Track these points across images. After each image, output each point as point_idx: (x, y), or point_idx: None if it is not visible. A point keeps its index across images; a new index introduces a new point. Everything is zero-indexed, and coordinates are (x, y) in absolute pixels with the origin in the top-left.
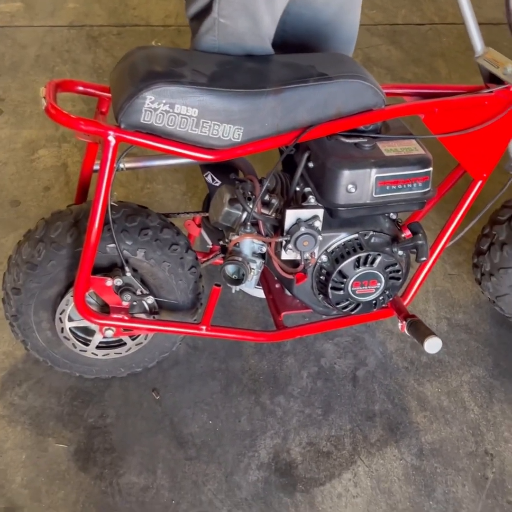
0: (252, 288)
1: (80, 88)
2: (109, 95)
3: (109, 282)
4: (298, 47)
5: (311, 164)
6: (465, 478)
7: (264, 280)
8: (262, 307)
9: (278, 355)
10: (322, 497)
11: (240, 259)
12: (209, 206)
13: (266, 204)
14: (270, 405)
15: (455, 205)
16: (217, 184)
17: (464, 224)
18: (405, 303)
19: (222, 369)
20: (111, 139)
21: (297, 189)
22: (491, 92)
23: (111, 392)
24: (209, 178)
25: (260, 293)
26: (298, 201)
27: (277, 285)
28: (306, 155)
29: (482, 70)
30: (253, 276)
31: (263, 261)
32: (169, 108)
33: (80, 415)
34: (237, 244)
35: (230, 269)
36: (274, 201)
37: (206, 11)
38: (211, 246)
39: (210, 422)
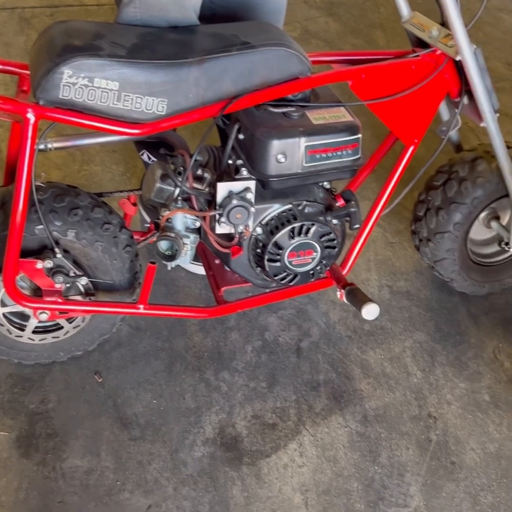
0: (188, 264)
1: None
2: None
3: (39, 264)
4: (228, 19)
5: (241, 136)
6: (409, 442)
7: (204, 257)
8: (205, 285)
9: (222, 331)
10: (268, 469)
11: (172, 235)
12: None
13: (198, 179)
14: (215, 381)
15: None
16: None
17: (400, 191)
18: (344, 272)
19: (166, 348)
20: (30, 116)
21: (230, 162)
22: (418, 56)
23: (52, 377)
24: (145, 157)
25: (202, 270)
26: (231, 174)
27: (217, 261)
28: (236, 126)
29: (409, 35)
30: (187, 251)
31: (198, 236)
32: (88, 82)
33: (21, 402)
34: (169, 220)
35: (163, 245)
36: (206, 175)
37: None
38: (149, 225)
39: (154, 401)
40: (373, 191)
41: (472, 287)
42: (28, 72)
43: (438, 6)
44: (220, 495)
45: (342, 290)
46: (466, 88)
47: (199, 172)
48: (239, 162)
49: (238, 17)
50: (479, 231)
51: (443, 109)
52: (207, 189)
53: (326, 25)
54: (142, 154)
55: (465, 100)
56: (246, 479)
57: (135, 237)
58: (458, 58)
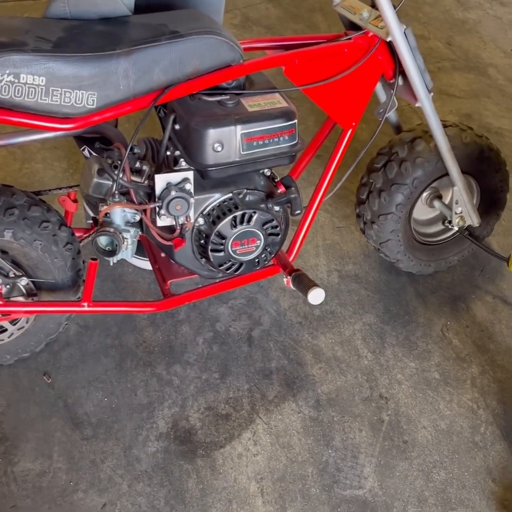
0: (130, 258)
1: None
2: None
3: None
4: (164, 10)
5: (177, 126)
6: (362, 424)
7: (150, 250)
8: (153, 279)
9: (173, 324)
10: (223, 459)
11: (111, 230)
12: None
13: (137, 171)
14: (167, 375)
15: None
16: None
17: (344, 175)
18: (290, 258)
19: (116, 345)
20: None
21: (168, 153)
22: (350, 39)
23: None
24: (86, 152)
25: (149, 265)
26: (170, 166)
27: (162, 254)
28: (171, 117)
29: (342, 18)
30: (128, 245)
31: (138, 230)
32: (14, 78)
33: None
34: (108, 215)
35: (102, 240)
36: (145, 167)
37: None
38: (92, 221)
39: (106, 399)
40: (318, 176)
41: (418, 267)
42: None
43: None
44: (175, 489)
45: (289, 277)
46: (400, 69)
47: (138, 165)
48: (177, 153)
49: (176, 8)
50: (422, 211)
51: (380, 91)
52: (146, 182)
53: (267, 11)
54: (83, 150)
55: (400, 81)
56: (201, 471)
57: (79, 234)
58: (388, 39)
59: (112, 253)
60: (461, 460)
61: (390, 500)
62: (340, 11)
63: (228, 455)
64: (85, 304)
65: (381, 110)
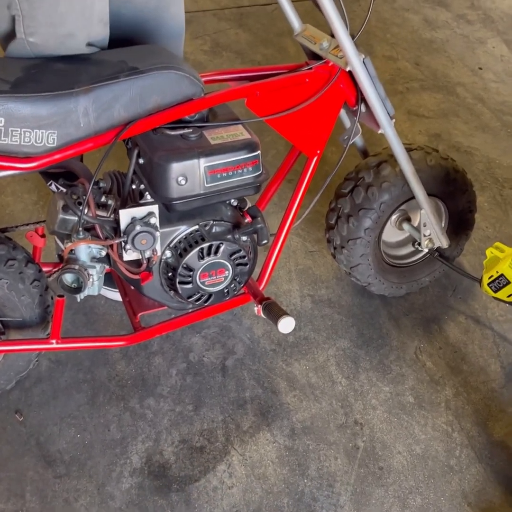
0: (97, 293)
1: None
2: None
3: None
4: (124, 45)
5: (141, 160)
6: (337, 451)
7: (120, 283)
8: (125, 310)
9: (146, 356)
10: (198, 493)
11: (76, 267)
12: None
13: (103, 206)
14: (140, 409)
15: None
16: None
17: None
18: (261, 287)
19: (88, 380)
20: None
21: (133, 187)
22: (311, 68)
23: None
24: (53, 187)
25: (119, 296)
26: (136, 199)
27: (132, 287)
28: (135, 151)
29: (303, 48)
30: (95, 281)
31: (104, 265)
32: None
33: None
34: (73, 251)
35: (67, 278)
36: (110, 202)
37: (10, 33)
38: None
39: (78, 435)
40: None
41: (390, 289)
42: None
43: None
44: None
45: (259, 306)
46: (362, 96)
47: (103, 199)
48: (142, 186)
49: (135, 43)
50: (392, 233)
51: (344, 117)
52: (111, 216)
53: (237, 36)
54: (50, 185)
55: (362, 108)
56: (175, 506)
57: (49, 268)
58: (348, 68)
59: (78, 290)
60: (437, 484)
61: None
62: (301, 41)
63: (203, 489)
64: (54, 341)
65: (346, 136)
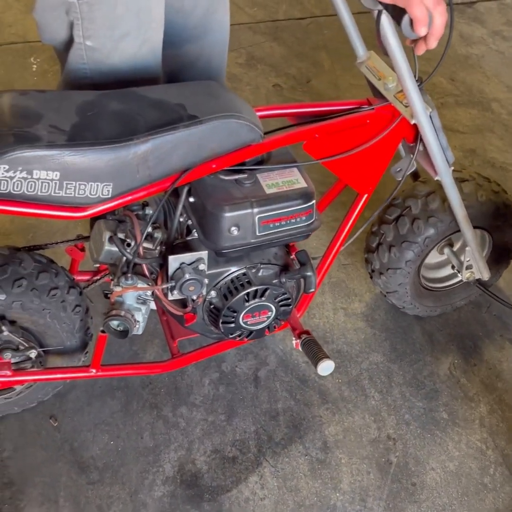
0: (141, 333)
1: None
2: None
3: None
4: (175, 51)
5: (191, 199)
6: (370, 466)
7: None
8: (158, 318)
9: None
10: (230, 504)
11: (122, 313)
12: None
13: (149, 236)
14: (173, 417)
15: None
16: None
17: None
18: (299, 315)
19: (121, 387)
20: None
21: (181, 219)
22: (372, 109)
23: (6, 424)
24: None
25: (153, 305)
26: (183, 234)
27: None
28: (186, 189)
29: (365, 78)
30: (140, 323)
31: (150, 306)
32: (27, 174)
33: None
34: (120, 295)
35: (114, 323)
36: (157, 235)
37: (68, 41)
38: (99, 265)
39: (112, 442)
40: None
41: (424, 312)
42: None
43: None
44: None
45: (298, 340)
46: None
47: (149, 229)
48: (190, 222)
49: (183, 50)
50: (431, 256)
51: (400, 147)
52: (157, 249)
53: (271, 49)
54: None
55: (421, 147)
56: None
57: (85, 277)
58: (413, 122)
59: (125, 333)
60: (470, 502)
61: None
62: (364, 72)
63: (235, 500)
64: (94, 370)
65: (399, 169)
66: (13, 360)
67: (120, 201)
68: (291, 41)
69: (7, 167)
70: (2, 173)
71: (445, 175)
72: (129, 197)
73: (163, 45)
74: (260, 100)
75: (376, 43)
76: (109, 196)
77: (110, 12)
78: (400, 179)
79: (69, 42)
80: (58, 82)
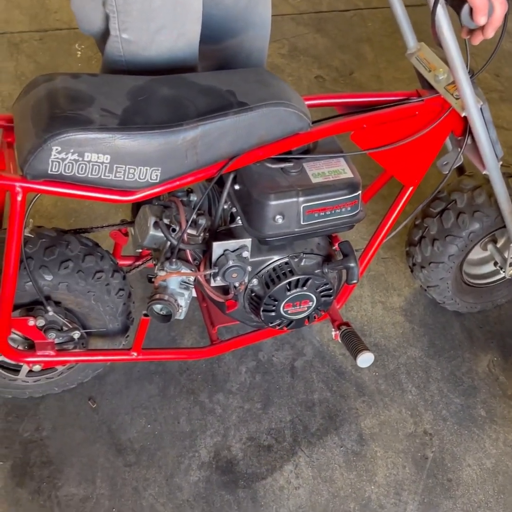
0: (183, 317)
1: None
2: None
3: (31, 322)
4: (214, 46)
5: (237, 186)
6: (406, 460)
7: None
8: (197, 306)
9: None
10: (264, 491)
11: (166, 297)
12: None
13: (193, 222)
14: (209, 403)
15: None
16: None
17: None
18: (338, 306)
19: (159, 372)
20: (18, 190)
21: (225, 206)
22: (422, 101)
23: (46, 404)
24: None
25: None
26: (226, 221)
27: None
28: (231, 176)
29: (415, 70)
30: (183, 309)
31: (192, 291)
32: (78, 157)
33: (15, 430)
34: (164, 279)
35: (157, 307)
36: (201, 221)
37: (105, 32)
38: (141, 250)
39: (149, 426)
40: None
41: (464, 308)
42: (12, 125)
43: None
44: None
45: (338, 331)
46: (470, 129)
47: (194, 216)
48: (234, 209)
49: (225, 42)
50: (474, 252)
51: (447, 140)
52: (201, 235)
53: (314, 41)
54: None
55: (469, 140)
56: (242, 502)
57: (127, 262)
58: (463, 114)
59: (167, 318)
60: (507, 500)
61: None
62: (414, 63)
63: (269, 487)
64: (135, 353)
65: (445, 162)
66: (56, 341)
67: (167, 186)
68: (334, 33)
69: (59, 148)
70: (54, 155)
71: (493, 170)
72: (177, 183)
73: (201, 39)
74: (302, 91)
75: (430, 36)
76: (157, 180)
77: (146, 5)
78: (446, 172)
79: (106, 33)
80: (100, 70)
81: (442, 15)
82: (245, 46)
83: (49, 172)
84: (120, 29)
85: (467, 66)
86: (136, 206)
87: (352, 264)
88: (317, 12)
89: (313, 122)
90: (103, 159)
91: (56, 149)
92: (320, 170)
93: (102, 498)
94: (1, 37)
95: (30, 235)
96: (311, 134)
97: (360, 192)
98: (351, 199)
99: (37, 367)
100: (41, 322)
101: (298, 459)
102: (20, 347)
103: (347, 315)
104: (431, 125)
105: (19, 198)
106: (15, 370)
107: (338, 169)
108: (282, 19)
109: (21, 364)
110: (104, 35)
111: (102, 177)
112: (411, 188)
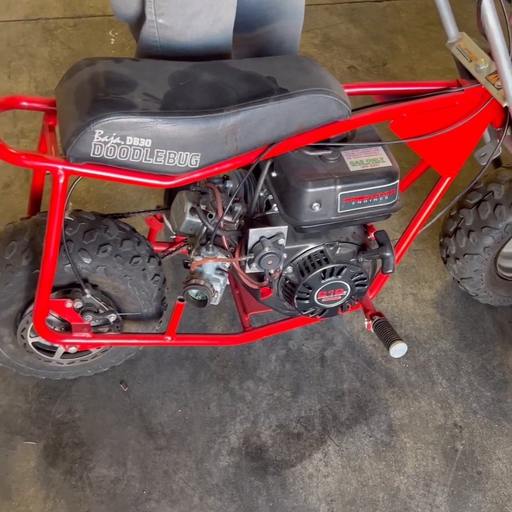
0: (217, 303)
1: (24, 103)
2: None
3: (68, 304)
4: (247, 34)
5: (274, 173)
6: (435, 451)
7: (231, 276)
8: (229, 293)
9: None
10: (294, 479)
11: (202, 282)
12: (170, 201)
13: (229, 209)
14: (239, 390)
15: (424, 197)
16: None
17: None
18: (371, 296)
19: (190, 357)
20: (60, 173)
21: (261, 194)
22: (462, 90)
23: (78, 386)
24: None
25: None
26: (262, 208)
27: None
28: (268, 163)
29: (455, 59)
30: (218, 294)
31: (227, 277)
32: (121, 140)
33: (48, 411)
34: (200, 265)
35: (193, 292)
36: (237, 208)
37: (140, 17)
38: (175, 236)
39: (179, 410)
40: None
41: (496, 301)
42: (54, 108)
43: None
44: (245, 505)
45: (370, 321)
46: (509, 119)
47: (230, 204)
48: (270, 197)
49: (257, 29)
50: (510, 245)
51: (484, 132)
52: (236, 222)
53: (347, 31)
54: None
55: (508, 131)
56: (271, 488)
57: (161, 248)
58: (505, 104)
59: (203, 303)
60: None
61: None
62: (454, 52)
63: (298, 475)
64: (169, 337)
65: (483, 154)
66: (92, 324)
67: (206, 171)
68: (367, 24)
69: (102, 132)
70: (97, 138)
71: None
72: (215, 169)
73: (234, 26)
74: None
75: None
76: (197, 166)
77: None
78: (484, 164)
79: (142, 18)
80: (134, 56)
81: (487, 4)
82: (277, 35)
83: (91, 155)
84: (156, 14)
85: (510, 56)
86: (169, 193)
87: (388, 254)
88: (351, 2)
89: (352, 110)
90: (145, 143)
91: (99, 132)
92: (358, 158)
93: (133, 480)
94: (36, 23)
95: (70, 218)
96: (350, 122)
97: (397, 181)
98: (389, 188)
99: (72, 349)
100: (78, 304)
101: (327, 447)
102: (56, 329)
103: (378, 306)
104: (471, 115)
105: (61, 180)
106: (50, 351)
107: (377, 157)
108: (316, 9)
109: (57, 345)
110: (139, 20)
111: (143, 161)
112: (448, 179)
